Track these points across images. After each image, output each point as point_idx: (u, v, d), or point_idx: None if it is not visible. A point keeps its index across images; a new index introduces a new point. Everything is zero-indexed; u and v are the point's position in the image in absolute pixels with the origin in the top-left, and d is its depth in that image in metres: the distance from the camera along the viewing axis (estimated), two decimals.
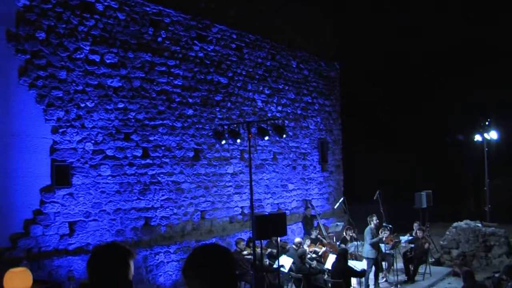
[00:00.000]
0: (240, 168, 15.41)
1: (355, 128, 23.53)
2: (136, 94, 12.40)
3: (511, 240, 16.51)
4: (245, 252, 12.33)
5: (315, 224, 15.90)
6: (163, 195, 12.99)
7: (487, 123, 20.09)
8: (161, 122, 13.04)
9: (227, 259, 2.36)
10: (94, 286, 2.80)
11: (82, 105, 11.15)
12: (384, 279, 13.90)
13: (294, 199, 17.94)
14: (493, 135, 20.04)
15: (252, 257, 10.84)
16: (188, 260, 2.35)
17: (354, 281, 12.50)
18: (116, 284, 2.83)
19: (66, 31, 10.93)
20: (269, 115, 16.66)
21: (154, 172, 12.78)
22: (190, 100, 13.95)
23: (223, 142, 12.39)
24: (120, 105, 11.98)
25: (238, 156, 15.48)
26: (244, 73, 15.96)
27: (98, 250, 3.01)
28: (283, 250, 12.91)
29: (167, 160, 13.16)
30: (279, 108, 17.45)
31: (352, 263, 11.96)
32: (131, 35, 12.38)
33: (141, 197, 12.43)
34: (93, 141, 11.35)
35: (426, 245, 14.13)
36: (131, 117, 12.26)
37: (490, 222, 17.98)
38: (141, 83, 12.55)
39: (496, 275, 12.35)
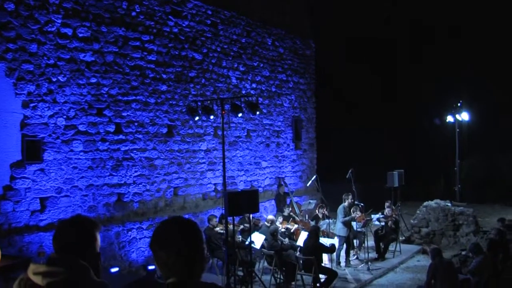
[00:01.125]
0: (213, 145, 15.39)
1: (329, 107, 23.62)
2: (109, 69, 12.24)
3: (478, 219, 16.88)
4: (217, 229, 12.40)
5: (288, 201, 16.01)
6: (136, 171, 12.93)
7: (459, 104, 20.36)
8: (134, 97, 12.92)
9: (193, 232, 2.37)
10: (61, 259, 2.79)
11: (54, 79, 10.97)
12: (355, 256, 14.13)
13: (267, 177, 18.02)
14: (464, 116, 20.33)
15: (224, 233, 10.91)
16: (155, 233, 2.35)
17: (325, 258, 12.66)
18: (83, 257, 2.82)
19: (37, 2, 10.68)
20: (244, 92, 16.62)
21: (127, 148, 12.70)
22: (164, 76, 13.83)
23: (197, 118, 12.35)
24: (93, 80, 11.82)
25: (212, 133, 15.45)
26: (219, 49, 15.85)
27: (63, 224, 2.99)
28: (255, 227, 13.02)
29: (140, 136, 13.07)
30: (254, 85, 17.42)
31: (323, 240, 12.12)
32: (104, 9, 12.16)
33: (114, 173, 12.35)
34: (65, 116, 11.20)
35: (389, 223, 14.34)
36: (104, 92, 12.11)
37: (459, 202, 18.34)
38: (114, 58, 12.39)
39: (463, 252, 12.65)
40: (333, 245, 11.86)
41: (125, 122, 12.65)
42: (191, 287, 2.22)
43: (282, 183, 17.26)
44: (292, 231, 13.57)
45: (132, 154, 12.84)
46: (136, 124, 12.97)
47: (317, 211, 14.80)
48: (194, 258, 2.31)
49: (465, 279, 9.95)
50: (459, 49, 26.41)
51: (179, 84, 14.31)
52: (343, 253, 13.41)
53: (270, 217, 13.11)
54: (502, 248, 11.08)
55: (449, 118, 20.72)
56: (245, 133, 16.99)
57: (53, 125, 10.95)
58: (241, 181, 16.68)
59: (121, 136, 12.53)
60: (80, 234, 2.90)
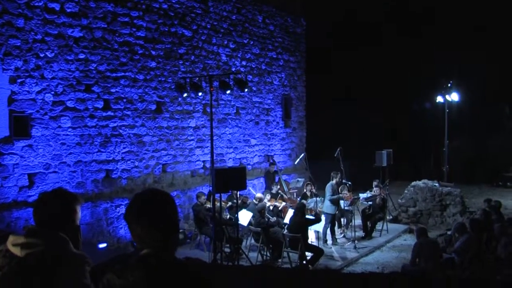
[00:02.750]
0: (202, 122, 15.40)
1: (320, 85, 23.60)
2: (97, 45, 12.17)
3: (465, 200, 17.03)
4: (205, 206, 12.45)
5: (277, 179, 16.08)
6: (124, 148, 12.94)
7: (449, 85, 20.39)
8: (123, 74, 12.87)
9: (166, 204, 2.39)
10: (40, 231, 2.83)
11: (42, 55, 10.89)
12: (342, 235, 14.22)
13: (256, 154, 18.08)
14: (454, 97, 20.36)
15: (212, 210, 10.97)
16: (129, 205, 2.37)
17: (312, 236, 12.77)
18: (63, 229, 2.86)
19: None
20: (233, 69, 16.58)
21: (115, 124, 12.69)
22: (153, 53, 13.77)
23: (185, 95, 12.33)
24: (81, 56, 11.75)
25: (201, 110, 15.45)
26: (208, 26, 15.77)
27: (44, 197, 3.01)
28: (243, 205, 13.09)
29: (128, 112, 13.06)
30: (243, 62, 17.37)
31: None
32: None
33: (102, 150, 12.36)
34: (53, 92, 11.16)
35: (378, 199, 14.43)
36: (92, 68, 12.05)
37: (447, 182, 18.44)
38: (103, 34, 12.31)
39: (449, 232, 12.76)
40: (317, 216, 11.93)
41: (113, 98, 12.62)
42: (164, 259, 2.26)
43: (271, 161, 17.31)
44: (280, 208, 13.65)
45: (121, 131, 12.84)
46: (124, 100, 12.94)
47: (305, 189, 14.86)
48: (167, 230, 2.34)
49: (449, 258, 10.09)
50: (451, 31, 26.45)
51: (168, 60, 14.25)
52: (329, 231, 13.49)
53: (259, 195, 13.18)
54: (486, 229, 11.23)
55: (439, 99, 20.73)
56: (235, 111, 16.99)
57: (41, 101, 10.90)
58: (230, 158, 16.73)
59: (109, 113, 12.51)
60: (60, 206, 2.93)
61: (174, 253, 2.38)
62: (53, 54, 11.12)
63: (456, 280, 5.13)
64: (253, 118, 17.93)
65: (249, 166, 17.49)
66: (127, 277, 2.16)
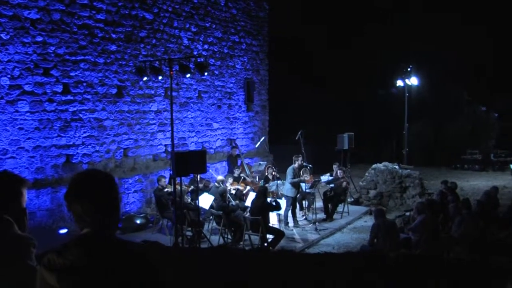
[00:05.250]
0: (164, 106, 15.31)
1: (283, 69, 23.65)
2: (56, 27, 11.95)
3: (425, 181, 17.38)
4: (167, 190, 12.44)
5: (239, 163, 16.13)
6: (84, 132, 12.81)
7: (408, 69, 20.65)
8: (82, 57, 12.69)
9: (106, 183, 2.40)
10: None
11: None
12: (304, 217, 14.37)
13: (218, 138, 18.09)
14: (413, 81, 20.66)
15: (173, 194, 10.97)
16: (69, 185, 2.38)
17: (274, 219, 12.87)
18: (7, 211, 2.85)
19: None
20: (195, 53, 16.49)
21: (75, 108, 12.53)
22: (114, 36, 13.60)
23: (145, 79, 12.23)
24: (39, 39, 11.54)
25: (163, 94, 15.36)
26: (170, 9, 15.62)
27: None
28: (205, 188, 13.11)
29: (89, 96, 12.90)
30: (206, 46, 17.29)
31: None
32: None
33: (62, 134, 12.21)
34: (9, 76, 10.95)
35: (344, 184, 14.63)
36: (51, 51, 11.85)
37: (407, 165, 18.77)
38: (61, 16, 12.08)
39: (407, 213, 13.04)
40: (278, 202, 12.04)
41: (73, 82, 12.44)
42: (105, 238, 2.28)
43: (234, 144, 17.33)
44: (244, 192, 13.73)
45: (81, 115, 12.69)
46: (84, 84, 12.78)
47: (266, 172, 14.96)
48: (108, 209, 2.35)
49: (406, 237, 10.34)
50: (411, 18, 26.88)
51: (129, 44, 14.10)
52: (290, 213, 13.61)
53: (220, 177, 13.22)
54: (442, 209, 11.53)
55: (399, 83, 21.00)
56: (197, 94, 16.94)
57: None
58: (192, 142, 16.70)
59: (69, 97, 12.35)
60: (4, 189, 2.92)
61: (115, 232, 2.40)
62: (9, 36, 10.89)
63: (407, 257, 5.28)
64: (216, 102, 17.89)
65: (211, 150, 17.50)
66: (67, 256, 2.18)
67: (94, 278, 2.16)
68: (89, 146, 12.93)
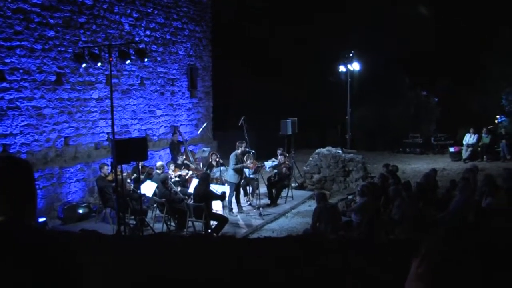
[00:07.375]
0: (105, 93, 15.04)
1: (226, 55, 23.58)
2: None
3: (367, 165, 17.74)
4: (109, 178, 12.29)
5: (182, 150, 16.06)
6: (22, 121, 12.48)
7: (350, 54, 20.97)
8: (18, 43, 12.32)
9: (20, 171, 2.34)
10: None
11: None
12: (248, 202, 14.45)
13: (162, 125, 17.94)
14: (355, 66, 21.00)
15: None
16: None
17: (219, 205, 12.90)
18: None
19: None
20: (137, 39, 16.25)
21: (11, 96, 12.18)
22: (51, 21, 13.25)
23: (84, 65, 12.00)
24: None
25: (104, 81, 15.09)
26: None
27: None
28: (149, 176, 13.01)
29: (26, 84, 12.55)
30: (148, 32, 17.06)
31: (214, 187, 12.34)
32: None
33: None
34: None
35: (284, 169, 14.77)
36: None
37: (350, 149, 19.10)
38: None
39: (350, 197, 13.31)
40: (224, 193, 12.09)
41: (8, 69, 12.07)
42: (20, 226, 2.24)
43: (177, 131, 17.24)
44: (186, 178, 13.70)
45: (18, 103, 12.34)
46: (21, 71, 12.42)
47: (210, 158, 14.96)
48: (22, 197, 2.30)
49: (348, 220, 10.57)
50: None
51: (68, 30, 13.77)
52: (234, 199, 13.68)
53: (159, 163, 13.16)
54: (383, 192, 11.81)
55: (341, 68, 21.31)
56: (139, 81, 16.72)
57: None
58: (135, 129, 16.51)
59: (4, 84, 11.98)
60: None
61: (31, 220, 2.35)
62: None
63: (345, 240, 5.41)
64: (158, 88, 17.71)
65: (155, 137, 17.36)
66: None
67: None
68: (27, 135, 12.61)
